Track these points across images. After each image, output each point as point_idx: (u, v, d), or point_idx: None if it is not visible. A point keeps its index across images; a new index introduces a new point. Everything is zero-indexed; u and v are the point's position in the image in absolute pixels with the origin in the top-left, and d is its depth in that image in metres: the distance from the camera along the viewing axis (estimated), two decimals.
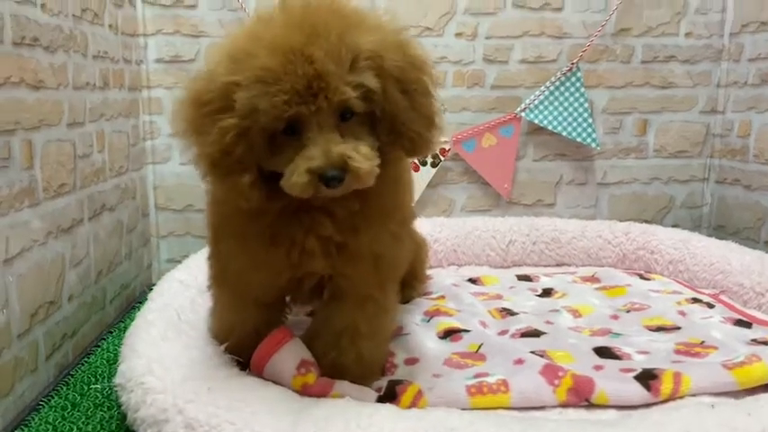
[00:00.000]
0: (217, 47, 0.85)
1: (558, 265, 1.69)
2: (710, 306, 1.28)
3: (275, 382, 0.92)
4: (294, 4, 0.82)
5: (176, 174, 1.72)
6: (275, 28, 0.79)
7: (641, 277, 1.51)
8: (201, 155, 0.81)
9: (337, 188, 0.77)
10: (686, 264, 1.53)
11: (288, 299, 1.04)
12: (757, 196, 1.67)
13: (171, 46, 1.67)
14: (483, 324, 1.19)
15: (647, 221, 1.83)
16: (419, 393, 0.91)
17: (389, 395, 0.91)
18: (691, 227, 1.86)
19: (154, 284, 1.70)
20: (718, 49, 1.78)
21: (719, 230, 1.83)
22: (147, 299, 1.54)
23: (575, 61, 1.72)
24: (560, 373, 0.93)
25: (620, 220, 1.77)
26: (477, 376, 0.95)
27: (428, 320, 1.21)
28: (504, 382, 0.92)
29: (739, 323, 1.19)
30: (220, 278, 0.99)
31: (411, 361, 1.04)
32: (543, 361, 0.97)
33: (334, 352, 0.94)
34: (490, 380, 0.93)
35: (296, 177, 0.77)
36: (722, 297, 1.36)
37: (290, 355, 0.93)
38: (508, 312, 1.26)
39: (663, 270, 1.58)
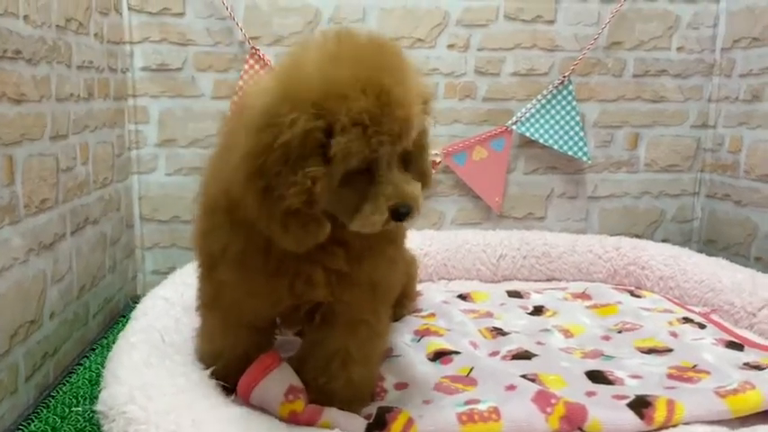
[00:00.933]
0: (266, 83, 0.81)
1: (548, 280, 1.68)
2: (702, 326, 1.27)
3: (262, 409, 0.90)
4: (346, 38, 0.80)
5: (162, 184, 1.69)
6: (348, 65, 0.76)
7: (632, 294, 1.50)
8: (277, 207, 0.77)
9: (403, 222, 0.80)
10: (677, 280, 1.53)
11: (278, 321, 1.01)
12: (748, 212, 1.67)
13: (158, 54, 1.64)
14: (473, 345, 1.17)
15: (637, 235, 1.82)
16: (409, 421, 0.89)
17: (379, 423, 0.89)
18: (681, 241, 1.86)
19: (138, 296, 1.68)
20: (710, 64, 1.78)
21: (709, 245, 1.82)
22: (131, 313, 1.53)
23: (566, 74, 1.71)
24: (553, 401, 0.92)
25: (611, 234, 1.77)
26: (468, 403, 0.93)
27: (418, 340, 1.19)
28: (496, 410, 0.90)
29: (731, 345, 1.18)
30: (212, 303, 0.96)
31: (401, 386, 1.01)
32: (535, 387, 0.96)
33: (324, 377, 0.92)
34: (481, 407, 0.91)
35: (377, 216, 0.79)
36: (713, 316, 1.35)
37: (278, 382, 0.90)
38: (499, 332, 1.24)
39: (653, 286, 1.58)
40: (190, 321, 1.11)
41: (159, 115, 1.67)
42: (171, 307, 1.16)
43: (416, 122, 0.79)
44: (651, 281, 1.59)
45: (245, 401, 0.91)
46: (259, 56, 1.62)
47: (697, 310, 1.39)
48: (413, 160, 0.85)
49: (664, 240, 1.84)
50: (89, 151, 1.36)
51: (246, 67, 1.62)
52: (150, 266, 1.72)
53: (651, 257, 1.61)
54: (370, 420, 0.89)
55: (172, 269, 1.71)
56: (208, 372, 0.93)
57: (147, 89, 1.65)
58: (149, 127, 1.67)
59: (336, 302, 0.89)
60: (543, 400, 0.92)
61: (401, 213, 0.78)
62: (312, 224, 0.79)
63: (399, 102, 0.75)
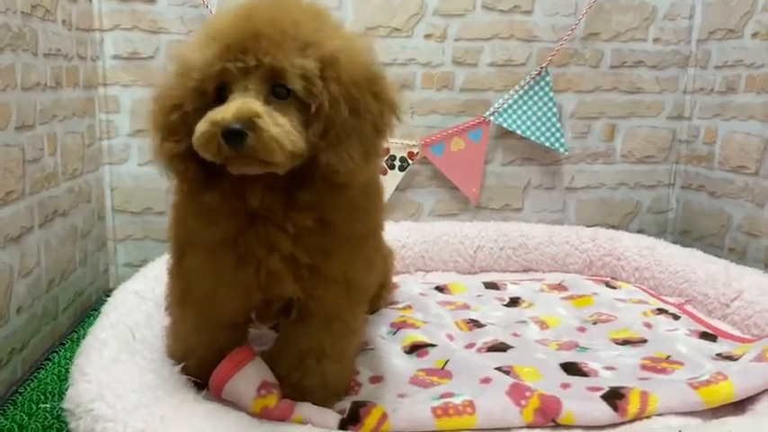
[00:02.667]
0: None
1: (525, 271, 1.68)
2: (676, 317, 1.28)
3: (234, 405, 0.89)
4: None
5: (134, 175, 1.66)
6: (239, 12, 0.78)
7: (608, 285, 1.51)
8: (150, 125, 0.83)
9: (239, 148, 0.71)
10: (652, 271, 1.54)
11: (253, 316, 1.00)
12: (722, 203, 1.68)
13: (129, 42, 1.60)
14: (449, 337, 1.17)
15: (613, 226, 1.83)
16: (383, 416, 0.88)
17: (353, 418, 0.88)
18: (656, 232, 1.87)
19: (111, 289, 1.65)
20: (686, 56, 1.79)
21: (684, 236, 1.84)
22: (102, 307, 1.50)
23: (544, 65, 1.70)
24: (527, 393, 0.91)
25: (587, 225, 1.78)
26: (442, 396, 0.93)
27: (394, 333, 1.18)
28: (471, 404, 0.90)
29: (705, 336, 1.19)
30: (184, 298, 0.94)
31: (376, 379, 1.01)
32: (510, 380, 0.95)
33: (298, 373, 0.91)
34: (456, 401, 0.91)
35: (200, 126, 0.74)
36: (687, 307, 1.36)
37: (251, 377, 0.89)
38: (475, 324, 1.24)
39: (629, 277, 1.59)
40: (161, 317, 1.09)
41: (131, 105, 1.63)
42: (142, 301, 1.14)
43: (274, 47, 0.73)
44: (627, 271, 1.60)
45: (217, 397, 0.90)
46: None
47: (672, 300, 1.40)
48: (322, 127, 0.76)
49: (639, 231, 1.85)
50: (57, 142, 1.33)
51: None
52: (123, 259, 1.69)
53: (627, 248, 1.62)
54: (344, 416, 0.88)
55: (145, 262, 1.67)
56: (178, 368, 0.92)
57: (119, 78, 1.62)
58: (121, 117, 1.63)
59: (309, 299, 0.88)
60: (518, 392, 0.92)
61: (229, 131, 0.71)
62: (166, 142, 0.80)
63: (250, 20, 0.75)
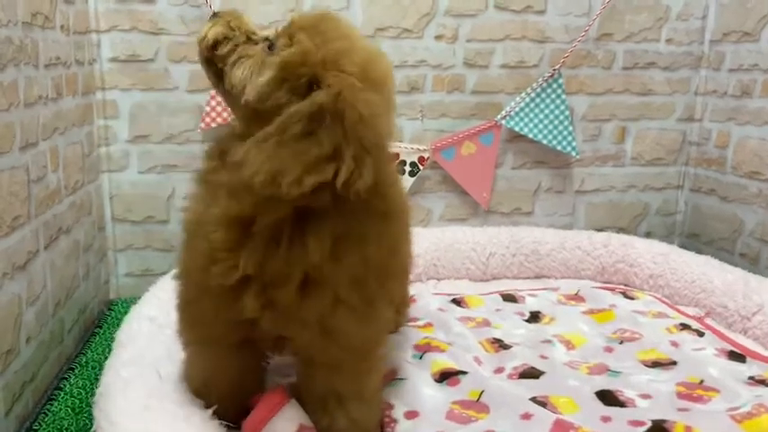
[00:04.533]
0: None
1: (537, 278, 1.66)
2: (700, 334, 1.27)
3: None
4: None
5: (134, 183, 1.59)
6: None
7: (625, 295, 1.49)
8: None
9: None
10: (666, 279, 1.53)
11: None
12: (734, 208, 1.67)
13: (127, 44, 1.52)
14: (477, 361, 1.14)
15: (622, 229, 1.82)
16: None
17: None
18: (665, 234, 1.86)
19: (111, 301, 1.59)
20: (698, 57, 1.76)
21: (692, 239, 1.83)
22: (105, 321, 1.45)
23: (557, 67, 1.66)
24: (571, 431, 0.89)
25: (597, 229, 1.76)
26: None
27: (420, 357, 1.15)
28: None
29: (733, 356, 1.18)
30: (180, 307, 0.90)
31: (411, 414, 0.98)
32: (552, 416, 0.93)
33: (326, 418, 0.87)
34: None
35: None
36: (708, 321, 1.36)
37: (287, 421, 0.86)
38: (500, 344, 1.21)
39: (642, 284, 1.57)
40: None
41: (130, 109, 1.56)
42: (159, 330, 1.09)
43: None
44: (640, 278, 1.59)
45: None
46: None
47: (691, 313, 1.38)
48: None
49: (647, 234, 1.84)
50: (59, 156, 1.26)
51: None
52: (123, 269, 1.63)
53: (640, 255, 1.60)
54: None
55: (147, 272, 1.64)
56: (209, 413, 0.87)
57: (117, 82, 1.54)
58: (120, 122, 1.56)
59: (292, 341, 0.83)
60: (562, 430, 0.90)
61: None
62: None
63: None
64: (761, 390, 1.04)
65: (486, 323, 1.33)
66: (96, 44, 1.51)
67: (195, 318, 0.87)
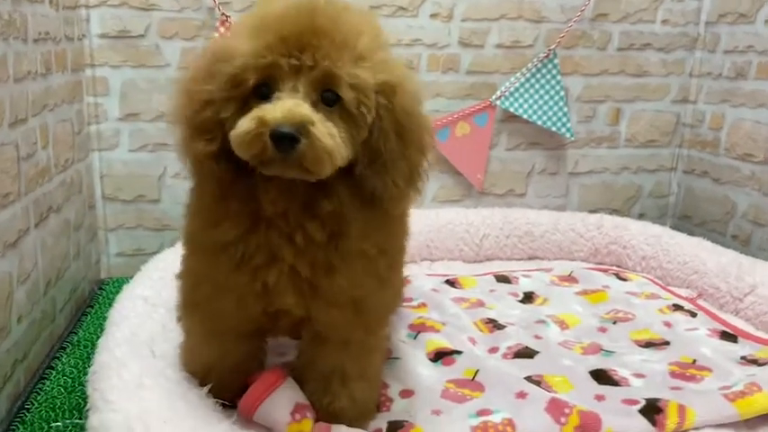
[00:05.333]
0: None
1: (530, 259, 1.66)
2: (693, 314, 1.28)
3: (266, 428, 0.85)
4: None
5: (125, 161, 1.57)
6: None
7: (618, 277, 1.50)
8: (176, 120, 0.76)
9: (288, 153, 0.67)
10: (659, 260, 1.53)
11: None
12: (726, 190, 1.67)
13: (117, 20, 1.50)
14: (472, 341, 1.14)
15: (615, 211, 1.82)
16: None
17: None
18: (657, 215, 1.86)
19: (103, 280, 1.58)
20: (693, 38, 1.75)
21: (684, 220, 1.84)
22: (96, 300, 1.44)
23: (552, 47, 1.65)
24: (566, 410, 0.90)
25: (590, 210, 1.76)
26: (480, 413, 0.90)
27: (415, 337, 1.15)
28: (510, 422, 0.88)
29: (725, 336, 1.19)
30: (190, 304, 0.89)
31: (406, 393, 0.98)
32: (548, 395, 0.93)
33: (327, 397, 0.87)
34: (495, 419, 0.89)
35: (244, 123, 0.68)
36: (700, 302, 1.36)
37: (284, 400, 0.85)
38: (494, 325, 1.22)
39: (635, 266, 1.58)
40: (176, 326, 1.04)
41: (121, 87, 1.53)
42: (153, 309, 1.08)
43: (333, 49, 0.69)
44: (633, 260, 1.59)
45: (248, 420, 0.86)
46: (230, 23, 1.50)
47: (684, 294, 1.39)
48: (370, 153, 0.73)
49: (641, 215, 1.84)
50: (49, 133, 1.24)
51: (217, 35, 1.50)
52: (114, 249, 1.62)
53: (633, 237, 1.61)
54: None
55: (138, 251, 1.62)
56: (205, 390, 0.87)
57: (107, 58, 1.51)
58: (110, 100, 1.53)
59: (315, 321, 0.83)
60: (557, 409, 0.90)
61: (279, 134, 0.66)
62: (196, 141, 0.74)
63: (310, 15, 0.70)
64: (753, 369, 1.05)
65: (480, 304, 1.33)
66: (86, 19, 1.48)
67: (211, 314, 0.86)
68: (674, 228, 1.75)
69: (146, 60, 1.53)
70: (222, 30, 1.50)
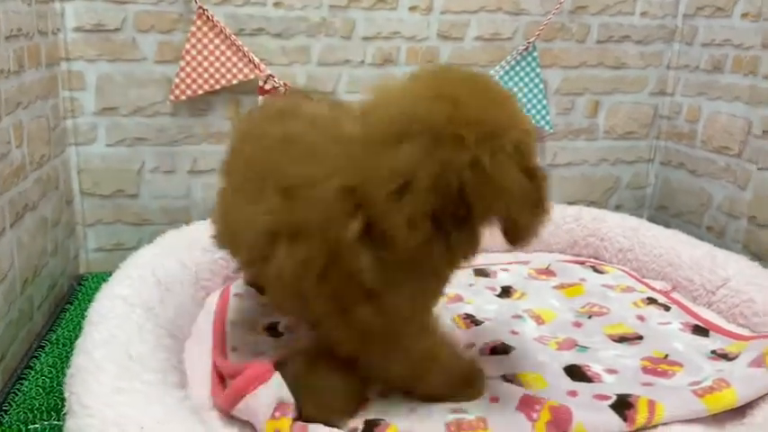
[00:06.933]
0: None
1: (507, 251, 1.67)
2: (667, 308, 1.30)
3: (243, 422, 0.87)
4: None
5: (102, 156, 1.56)
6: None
7: (595, 269, 1.52)
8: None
9: None
10: (635, 253, 1.55)
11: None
12: (702, 182, 1.70)
13: (92, 12, 1.48)
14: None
15: (593, 203, 1.84)
16: None
17: None
18: (634, 207, 1.89)
19: (81, 276, 1.57)
20: (672, 30, 1.76)
21: (661, 211, 1.86)
22: (75, 296, 1.43)
23: (531, 40, 1.65)
24: (537, 407, 0.91)
25: (568, 202, 1.78)
26: (454, 411, 0.92)
27: None
28: (483, 420, 0.90)
29: (697, 330, 1.21)
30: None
31: (384, 392, 0.99)
32: (519, 392, 0.95)
33: (413, 382, 0.95)
34: (469, 416, 0.91)
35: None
36: (674, 295, 1.39)
37: (268, 397, 0.87)
38: (472, 321, 1.23)
39: (611, 258, 1.60)
40: (153, 327, 1.04)
41: (97, 81, 1.52)
42: (131, 309, 1.07)
43: None
44: (610, 252, 1.61)
45: (225, 411, 0.88)
46: (207, 17, 1.49)
47: (659, 287, 1.41)
48: None
49: (618, 207, 1.87)
50: (23, 131, 1.23)
51: (194, 29, 1.49)
52: (93, 244, 1.61)
53: (610, 229, 1.62)
54: None
55: (117, 246, 1.62)
56: (183, 393, 0.88)
57: (82, 52, 1.49)
58: (86, 94, 1.52)
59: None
60: (528, 406, 0.92)
61: None
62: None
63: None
64: (722, 364, 1.07)
65: (459, 298, 1.34)
66: (60, 13, 1.46)
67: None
68: (651, 219, 1.78)
69: (122, 54, 1.51)
70: (199, 23, 1.49)
